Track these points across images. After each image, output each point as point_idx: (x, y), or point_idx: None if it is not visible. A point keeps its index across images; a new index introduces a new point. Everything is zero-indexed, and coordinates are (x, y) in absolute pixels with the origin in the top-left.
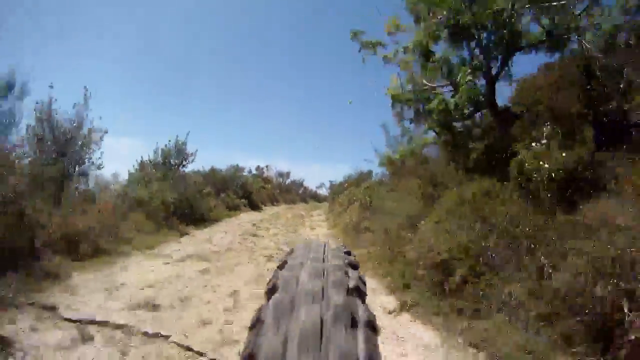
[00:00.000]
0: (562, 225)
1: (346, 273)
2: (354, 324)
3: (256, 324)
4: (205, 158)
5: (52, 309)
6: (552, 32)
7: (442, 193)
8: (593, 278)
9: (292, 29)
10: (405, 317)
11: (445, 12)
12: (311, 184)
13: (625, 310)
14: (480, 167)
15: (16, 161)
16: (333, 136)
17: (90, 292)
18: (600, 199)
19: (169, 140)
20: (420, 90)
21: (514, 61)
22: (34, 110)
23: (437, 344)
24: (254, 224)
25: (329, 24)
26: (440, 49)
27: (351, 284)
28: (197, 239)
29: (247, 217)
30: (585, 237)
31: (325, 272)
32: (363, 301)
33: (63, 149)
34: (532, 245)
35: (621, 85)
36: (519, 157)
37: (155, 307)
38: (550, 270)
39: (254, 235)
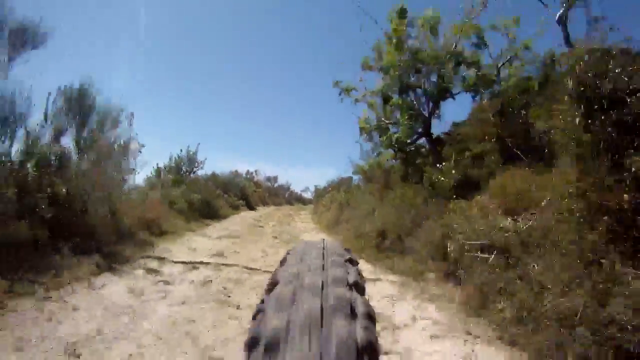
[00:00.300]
0: (443, 210)
1: (346, 269)
2: (353, 314)
3: (258, 314)
4: None
5: (162, 259)
6: (476, 83)
7: (390, 193)
8: (444, 235)
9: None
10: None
11: (396, 73)
12: (296, 188)
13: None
14: (417, 176)
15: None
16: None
17: (178, 251)
18: (477, 194)
19: (181, 150)
20: (379, 126)
21: (457, 100)
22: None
23: (372, 270)
24: (255, 219)
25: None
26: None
27: (350, 279)
28: (219, 228)
29: (247, 215)
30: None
31: (325, 268)
32: (362, 295)
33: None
34: (427, 219)
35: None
36: (426, 174)
37: (222, 256)
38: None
39: (258, 226)
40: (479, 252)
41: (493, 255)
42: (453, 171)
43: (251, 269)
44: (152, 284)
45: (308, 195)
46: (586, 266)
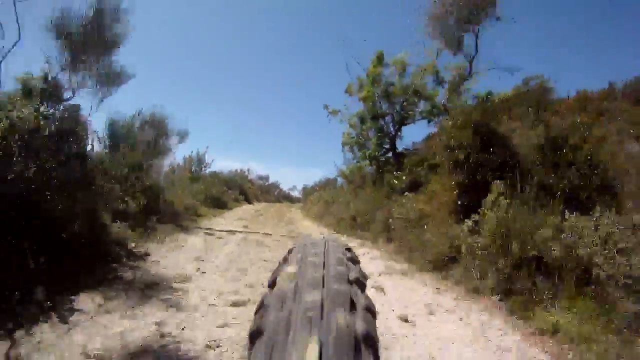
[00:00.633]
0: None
1: (347, 267)
2: (353, 307)
3: (260, 308)
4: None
5: (210, 229)
6: (430, 112)
7: (362, 191)
8: (387, 217)
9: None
10: (329, 232)
11: (370, 103)
12: (284, 186)
13: (390, 224)
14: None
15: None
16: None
17: (216, 225)
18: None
19: (192, 152)
20: (357, 142)
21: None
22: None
23: (346, 239)
24: (256, 211)
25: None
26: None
27: (352, 276)
28: (232, 214)
29: (248, 207)
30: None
31: (327, 265)
32: (363, 291)
33: None
34: (382, 208)
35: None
36: (387, 178)
37: (246, 227)
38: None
39: (260, 215)
40: (405, 224)
41: (408, 225)
42: (404, 177)
43: (266, 234)
44: (214, 239)
45: (295, 193)
46: (447, 227)
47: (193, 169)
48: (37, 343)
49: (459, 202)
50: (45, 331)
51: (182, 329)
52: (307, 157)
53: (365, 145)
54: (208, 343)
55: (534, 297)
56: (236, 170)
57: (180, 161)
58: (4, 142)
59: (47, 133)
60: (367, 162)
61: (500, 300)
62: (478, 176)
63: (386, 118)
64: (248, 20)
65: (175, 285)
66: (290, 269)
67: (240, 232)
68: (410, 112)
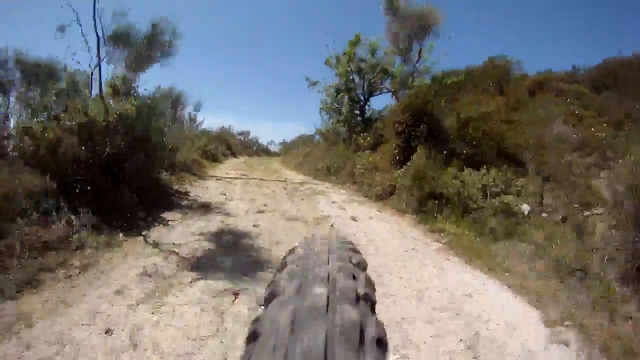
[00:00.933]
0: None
1: (350, 261)
2: (357, 300)
3: (268, 298)
4: None
5: (217, 176)
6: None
7: (335, 148)
8: (353, 166)
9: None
10: (314, 180)
11: (344, 78)
12: (263, 141)
13: (355, 172)
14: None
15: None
16: (281, 100)
17: (219, 173)
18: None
19: (187, 113)
20: (333, 108)
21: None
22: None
23: (321, 183)
24: (244, 163)
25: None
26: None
27: (356, 275)
28: (227, 165)
29: (236, 160)
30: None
31: (331, 261)
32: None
33: None
34: (350, 160)
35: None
36: (354, 138)
37: (243, 173)
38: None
39: (249, 166)
40: (364, 171)
41: (366, 171)
42: (368, 138)
43: (261, 179)
44: (224, 183)
45: (273, 147)
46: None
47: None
48: (159, 235)
49: (397, 158)
50: (159, 230)
51: (236, 223)
52: (284, 112)
53: (340, 111)
54: (253, 225)
55: (435, 215)
56: (222, 127)
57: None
58: (110, 126)
59: (129, 119)
60: (341, 124)
61: (414, 215)
62: (411, 142)
63: (357, 90)
64: None
65: (218, 206)
66: (293, 268)
67: (240, 178)
68: (377, 86)
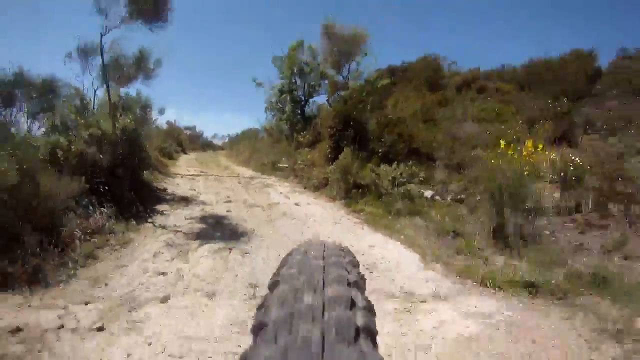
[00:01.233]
0: (299, 153)
1: (346, 269)
2: (352, 306)
3: (262, 304)
4: None
5: (179, 174)
6: (330, 89)
7: (279, 144)
8: (295, 162)
9: None
10: (262, 175)
11: (287, 80)
12: (206, 134)
13: (295, 167)
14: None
15: None
16: (224, 89)
17: (180, 171)
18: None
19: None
20: (277, 107)
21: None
22: None
23: (268, 177)
24: (196, 159)
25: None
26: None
27: (351, 278)
28: (182, 163)
29: (187, 157)
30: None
31: (326, 268)
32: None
33: None
34: (292, 156)
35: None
36: (295, 136)
37: (201, 171)
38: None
39: (201, 162)
40: (304, 167)
41: (305, 167)
42: (308, 136)
43: (218, 175)
44: (188, 179)
45: (216, 141)
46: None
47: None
48: (160, 221)
49: (329, 156)
50: (159, 217)
51: (212, 210)
52: (224, 103)
53: (283, 110)
54: (226, 211)
55: (357, 200)
56: (168, 121)
57: None
58: (117, 139)
59: (128, 132)
60: (284, 122)
61: (342, 200)
62: (340, 143)
63: (299, 91)
64: None
65: (193, 199)
66: (289, 272)
67: (200, 175)
68: (317, 88)
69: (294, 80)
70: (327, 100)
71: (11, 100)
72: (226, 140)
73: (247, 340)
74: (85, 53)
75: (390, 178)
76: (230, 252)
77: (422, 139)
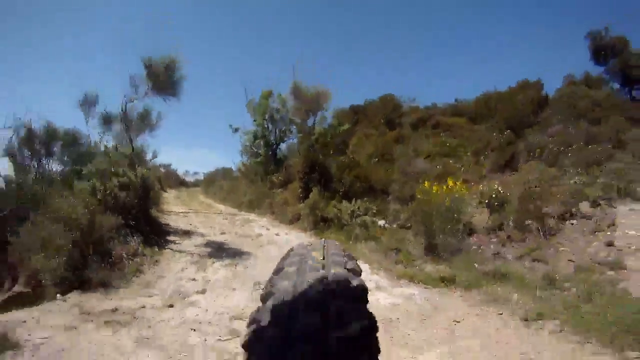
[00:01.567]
0: (274, 194)
1: (345, 261)
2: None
3: (266, 297)
4: None
5: (174, 212)
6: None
7: (254, 185)
8: (270, 201)
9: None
10: (241, 212)
11: (260, 126)
12: (179, 171)
13: (272, 205)
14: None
15: None
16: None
17: (167, 206)
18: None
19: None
20: (252, 150)
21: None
22: None
23: (247, 213)
24: (177, 197)
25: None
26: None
27: (349, 266)
28: (167, 200)
29: (167, 194)
30: None
31: (326, 256)
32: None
33: None
34: (267, 197)
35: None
36: (268, 177)
37: (189, 208)
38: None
39: (184, 202)
40: (279, 205)
41: (280, 205)
42: (280, 177)
43: (205, 212)
44: (183, 217)
45: (188, 178)
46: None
47: None
48: (173, 247)
49: (300, 195)
50: (173, 245)
51: (213, 239)
52: (196, 139)
53: (257, 153)
54: (224, 239)
55: (324, 231)
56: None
57: None
58: (138, 185)
59: (145, 179)
60: (259, 165)
61: (311, 231)
62: (308, 184)
63: (271, 136)
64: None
65: (194, 231)
66: (293, 260)
67: (189, 212)
68: (287, 132)
69: (266, 126)
70: (297, 149)
71: (48, 151)
72: (200, 178)
73: None
74: (107, 115)
75: (349, 212)
76: (235, 266)
77: (376, 177)
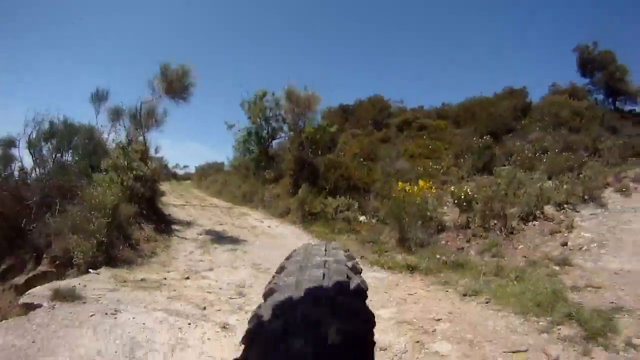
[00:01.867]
0: (265, 187)
1: (346, 260)
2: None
3: (268, 294)
4: None
5: (172, 204)
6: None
7: (248, 179)
8: (260, 194)
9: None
10: (236, 205)
11: (254, 124)
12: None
13: (263, 198)
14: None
15: None
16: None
17: (169, 201)
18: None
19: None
20: (245, 146)
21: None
22: None
23: (240, 207)
24: (170, 190)
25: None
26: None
27: (349, 264)
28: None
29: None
30: None
31: (327, 253)
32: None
33: None
34: (258, 192)
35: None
36: (262, 172)
37: (186, 201)
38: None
39: (179, 195)
40: (270, 199)
41: (272, 199)
42: (272, 173)
43: (202, 205)
44: (180, 209)
45: (178, 171)
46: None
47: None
48: (179, 235)
49: (290, 191)
50: (179, 232)
51: (212, 228)
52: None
53: (250, 149)
54: (222, 229)
55: (311, 224)
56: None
57: None
58: (149, 177)
59: (154, 171)
60: (251, 160)
61: (300, 224)
62: (298, 180)
63: (264, 133)
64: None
65: (193, 222)
66: (295, 260)
67: (186, 204)
68: (279, 131)
69: (260, 124)
70: (288, 147)
71: (69, 145)
72: (190, 172)
73: (257, 282)
74: (117, 110)
75: (334, 207)
76: (236, 251)
77: (359, 176)
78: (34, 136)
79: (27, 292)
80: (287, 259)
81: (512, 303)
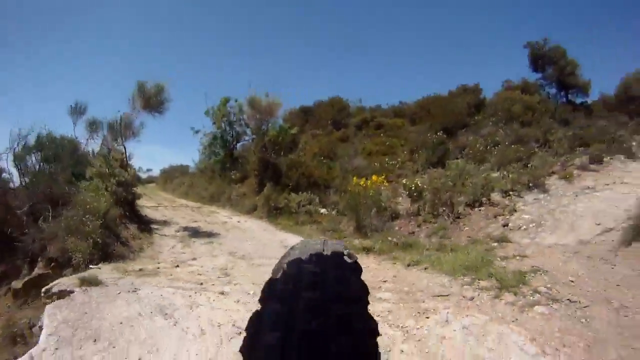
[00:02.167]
0: (231, 188)
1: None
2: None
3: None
4: None
5: (141, 205)
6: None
7: (214, 181)
8: (228, 194)
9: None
10: (204, 205)
11: (219, 129)
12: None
13: (231, 197)
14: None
15: None
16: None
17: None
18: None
19: None
20: (211, 150)
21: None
22: None
23: (209, 207)
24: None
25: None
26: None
27: (345, 252)
28: None
29: None
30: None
31: (325, 244)
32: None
33: None
34: (224, 193)
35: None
36: (226, 173)
37: (159, 204)
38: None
39: (149, 197)
40: (237, 198)
41: (238, 198)
42: (237, 174)
43: (173, 206)
44: (153, 210)
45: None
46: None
47: None
48: (159, 232)
49: (256, 189)
50: (157, 230)
51: (187, 225)
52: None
53: (215, 152)
54: (197, 226)
55: (277, 218)
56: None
57: None
58: (130, 182)
59: (133, 177)
60: (217, 162)
61: (267, 219)
62: (263, 180)
63: (228, 137)
64: None
65: (169, 220)
66: (295, 252)
67: (159, 205)
68: (243, 135)
69: (224, 129)
70: (252, 150)
71: (54, 157)
72: (153, 175)
73: (236, 266)
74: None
75: (297, 202)
76: (212, 243)
77: (319, 174)
78: (19, 150)
79: (54, 282)
80: (284, 257)
81: (445, 269)
